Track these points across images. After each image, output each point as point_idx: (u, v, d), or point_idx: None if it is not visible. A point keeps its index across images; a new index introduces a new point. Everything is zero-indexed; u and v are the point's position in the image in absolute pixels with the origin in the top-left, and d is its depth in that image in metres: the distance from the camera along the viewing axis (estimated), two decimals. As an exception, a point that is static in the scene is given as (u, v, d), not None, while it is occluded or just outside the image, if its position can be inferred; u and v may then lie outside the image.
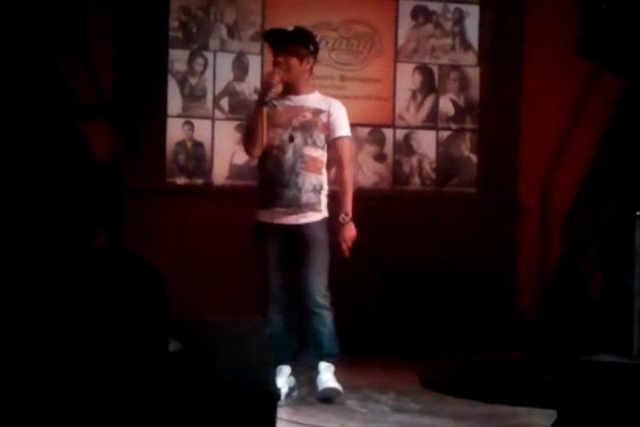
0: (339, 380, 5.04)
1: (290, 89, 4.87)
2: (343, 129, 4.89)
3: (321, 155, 4.84)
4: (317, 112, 4.84)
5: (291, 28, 4.93)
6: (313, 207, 4.79)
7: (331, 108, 4.87)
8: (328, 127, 4.84)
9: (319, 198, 4.81)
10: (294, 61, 4.80)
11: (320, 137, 4.82)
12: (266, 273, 4.77)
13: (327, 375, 4.81)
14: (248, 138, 4.81)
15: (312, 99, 4.88)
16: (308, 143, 4.79)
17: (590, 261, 5.77)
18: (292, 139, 4.77)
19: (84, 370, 2.67)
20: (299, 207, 4.76)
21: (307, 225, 4.79)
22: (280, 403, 4.43)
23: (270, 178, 4.77)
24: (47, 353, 2.69)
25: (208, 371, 2.88)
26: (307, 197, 4.76)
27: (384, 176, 6.42)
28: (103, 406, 2.62)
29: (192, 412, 2.72)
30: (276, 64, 4.83)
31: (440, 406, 4.67)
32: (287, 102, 4.85)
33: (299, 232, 4.77)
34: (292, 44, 4.81)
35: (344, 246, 4.81)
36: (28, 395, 2.59)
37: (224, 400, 2.75)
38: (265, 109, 4.75)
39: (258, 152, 4.79)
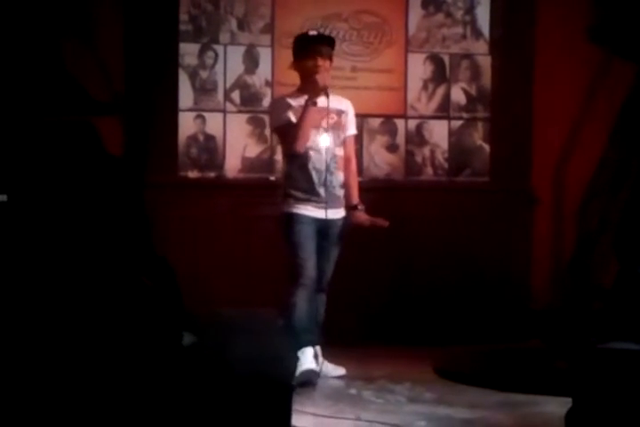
0: (354, 370, 5.10)
1: None
2: (354, 127, 5.23)
3: (342, 153, 5.13)
4: (340, 113, 5.11)
5: (314, 33, 5.22)
6: (342, 203, 5.12)
7: (348, 108, 5.17)
8: (345, 126, 5.14)
9: (342, 194, 5.12)
10: (328, 64, 5.06)
11: (342, 137, 5.13)
12: (301, 261, 4.94)
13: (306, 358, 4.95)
14: (299, 135, 4.95)
15: (332, 100, 5.03)
16: (336, 144, 5.08)
17: (604, 249, 5.75)
18: (325, 140, 5.02)
19: (98, 363, 2.69)
20: (334, 202, 5.05)
21: (338, 220, 5.09)
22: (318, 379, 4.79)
23: (307, 177, 5.00)
24: (59, 346, 2.70)
25: (222, 363, 2.89)
26: (339, 193, 5.08)
27: (396, 166, 6.42)
28: (117, 397, 2.64)
29: (207, 404, 2.73)
30: (318, 68, 4.98)
31: (455, 396, 4.67)
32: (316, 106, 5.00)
33: (330, 225, 5.04)
34: (327, 48, 5.06)
35: (374, 222, 5.12)
36: (41, 383, 2.61)
37: (239, 392, 2.76)
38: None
39: (303, 148, 4.97)
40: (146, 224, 3.37)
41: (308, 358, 4.91)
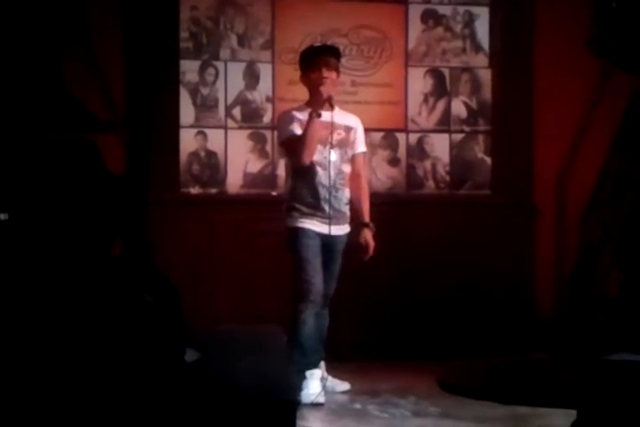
0: (358, 385, 5.09)
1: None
2: (363, 144, 5.20)
3: (349, 170, 5.10)
4: (348, 129, 5.09)
5: (318, 44, 5.28)
6: (347, 220, 5.10)
7: (357, 125, 5.14)
8: (353, 143, 5.10)
9: (348, 210, 5.10)
10: (335, 76, 5.04)
11: (349, 153, 5.10)
12: (309, 277, 4.92)
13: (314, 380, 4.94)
14: (304, 147, 4.90)
15: (339, 115, 5.03)
16: (343, 160, 5.05)
17: (607, 260, 5.75)
18: (331, 155, 4.99)
19: (100, 380, 2.69)
20: (339, 219, 5.01)
21: (342, 236, 5.07)
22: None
23: (313, 192, 4.99)
24: (60, 364, 2.70)
25: (226, 380, 2.89)
26: (344, 209, 5.06)
27: (398, 180, 6.43)
28: (120, 415, 2.64)
29: (210, 421, 2.73)
30: (323, 79, 4.95)
31: (460, 410, 4.65)
32: (320, 118, 4.96)
33: (335, 241, 5.02)
34: (333, 59, 5.03)
35: (371, 251, 5.10)
36: (44, 404, 2.61)
37: (243, 409, 2.75)
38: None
39: (309, 160, 4.94)
40: (145, 241, 3.38)
41: (315, 381, 4.88)
